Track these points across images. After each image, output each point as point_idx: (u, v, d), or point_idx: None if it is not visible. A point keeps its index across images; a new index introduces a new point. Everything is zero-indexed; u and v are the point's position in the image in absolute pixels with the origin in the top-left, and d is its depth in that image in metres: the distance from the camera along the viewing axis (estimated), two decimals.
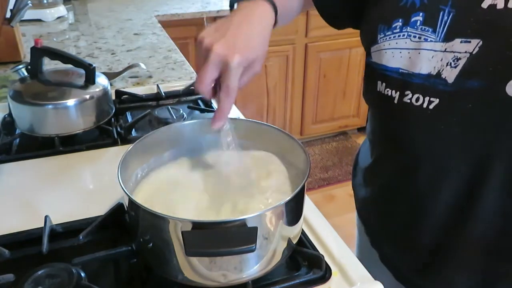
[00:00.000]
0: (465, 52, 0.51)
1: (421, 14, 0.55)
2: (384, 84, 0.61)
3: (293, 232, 0.57)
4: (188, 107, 1.02)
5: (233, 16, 0.59)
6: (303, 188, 0.54)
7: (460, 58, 0.52)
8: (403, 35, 0.56)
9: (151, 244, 0.54)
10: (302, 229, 0.62)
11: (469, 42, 0.51)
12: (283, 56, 2.44)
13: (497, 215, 0.57)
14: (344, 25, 0.75)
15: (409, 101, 0.57)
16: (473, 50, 0.51)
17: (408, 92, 0.57)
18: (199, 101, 1.06)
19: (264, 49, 0.59)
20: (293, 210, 0.54)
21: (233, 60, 0.54)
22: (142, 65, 1.27)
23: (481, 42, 0.50)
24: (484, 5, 0.50)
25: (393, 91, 0.59)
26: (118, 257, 0.59)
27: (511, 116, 0.51)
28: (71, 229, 0.63)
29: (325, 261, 0.58)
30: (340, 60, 2.59)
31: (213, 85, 0.57)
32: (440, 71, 0.53)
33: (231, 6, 0.64)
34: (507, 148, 0.53)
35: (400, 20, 0.57)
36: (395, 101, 0.59)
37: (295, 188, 0.54)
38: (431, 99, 0.55)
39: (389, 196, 0.70)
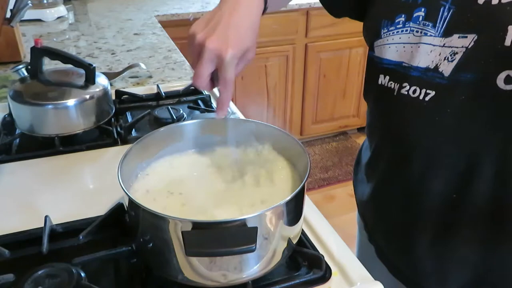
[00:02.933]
0: (462, 46, 0.52)
1: (423, 9, 0.56)
2: (386, 77, 0.62)
3: (293, 232, 0.57)
4: (188, 107, 1.02)
5: (222, 7, 0.60)
6: (303, 188, 0.54)
7: (457, 53, 0.53)
8: (406, 30, 0.57)
9: (151, 244, 0.54)
10: (302, 229, 0.62)
11: (466, 37, 0.52)
12: (283, 56, 2.44)
13: (489, 206, 0.57)
14: (343, 13, 0.75)
15: (406, 93, 0.58)
16: (469, 44, 0.52)
17: (406, 84, 0.58)
18: (199, 101, 1.06)
19: (254, 37, 0.60)
20: (293, 210, 0.54)
21: (227, 55, 0.55)
22: (142, 65, 1.27)
23: (476, 37, 0.51)
24: (480, 1, 0.51)
25: (394, 84, 0.61)
26: (118, 257, 0.59)
27: (502, 108, 0.52)
28: (71, 229, 0.63)
29: (325, 261, 0.58)
30: (340, 60, 2.59)
31: (210, 78, 0.59)
32: (438, 65, 0.55)
33: None
34: (498, 140, 0.53)
35: (403, 16, 0.58)
36: (394, 93, 0.60)
37: (295, 188, 0.54)
38: (428, 91, 0.56)
39: (385, 189, 0.71)
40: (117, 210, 0.64)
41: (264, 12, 0.63)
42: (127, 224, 0.62)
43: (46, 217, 0.62)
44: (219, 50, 0.55)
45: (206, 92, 1.08)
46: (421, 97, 0.57)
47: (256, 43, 0.61)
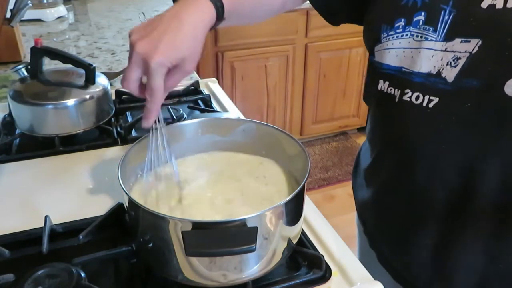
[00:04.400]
0: (465, 51, 0.51)
1: (423, 13, 0.55)
2: (386, 83, 0.61)
3: (293, 232, 0.57)
4: (188, 107, 1.02)
5: (166, 12, 0.56)
6: (303, 188, 0.54)
7: (460, 58, 0.52)
8: (406, 34, 0.57)
9: (151, 244, 0.54)
10: (302, 229, 0.62)
11: (469, 41, 0.51)
12: (283, 56, 2.44)
13: (493, 213, 0.57)
14: (342, 20, 0.74)
15: (408, 99, 0.57)
16: (473, 49, 0.51)
17: (408, 90, 0.57)
18: (199, 101, 1.06)
19: (193, 49, 0.55)
20: (293, 210, 0.54)
21: (153, 61, 0.52)
22: None
23: (480, 42, 0.50)
24: (484, 5, 0.50)
25: (395, 90, 0.60)
26: (118, 257, 0.59)
27: (508, 115, 0.51)
28: (71, 229, 0.63)
29: (325, 261, 0.58)
30: (340, 60, 2.58)
31: (139, 82, 0.55)
32: (440, 70, 0.54)
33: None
34: (504, 147, 0.53)
35: (403, 20, 0.57)
36: (396, 100, 0.59)
37: (294, 189, 0.54)
38: (431, 97, 0.55)
39: (386, 195, 0.71)
40: (117, 210, 0.64)
41: (217, 23, 0.59)
42: (127, 224, 0.62)
43: (46, 217, 0.63)
44: (146, 55, 0.52)
45: (206, 92, 1.08)
46: (424, 104, 0.56)
47: (199, 54, 0.56)
